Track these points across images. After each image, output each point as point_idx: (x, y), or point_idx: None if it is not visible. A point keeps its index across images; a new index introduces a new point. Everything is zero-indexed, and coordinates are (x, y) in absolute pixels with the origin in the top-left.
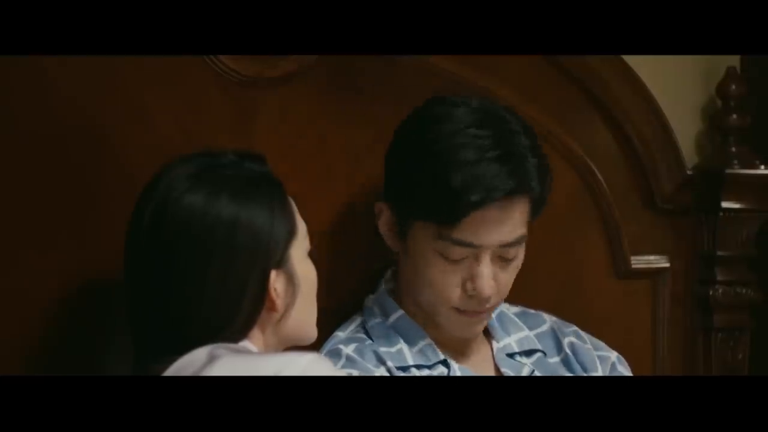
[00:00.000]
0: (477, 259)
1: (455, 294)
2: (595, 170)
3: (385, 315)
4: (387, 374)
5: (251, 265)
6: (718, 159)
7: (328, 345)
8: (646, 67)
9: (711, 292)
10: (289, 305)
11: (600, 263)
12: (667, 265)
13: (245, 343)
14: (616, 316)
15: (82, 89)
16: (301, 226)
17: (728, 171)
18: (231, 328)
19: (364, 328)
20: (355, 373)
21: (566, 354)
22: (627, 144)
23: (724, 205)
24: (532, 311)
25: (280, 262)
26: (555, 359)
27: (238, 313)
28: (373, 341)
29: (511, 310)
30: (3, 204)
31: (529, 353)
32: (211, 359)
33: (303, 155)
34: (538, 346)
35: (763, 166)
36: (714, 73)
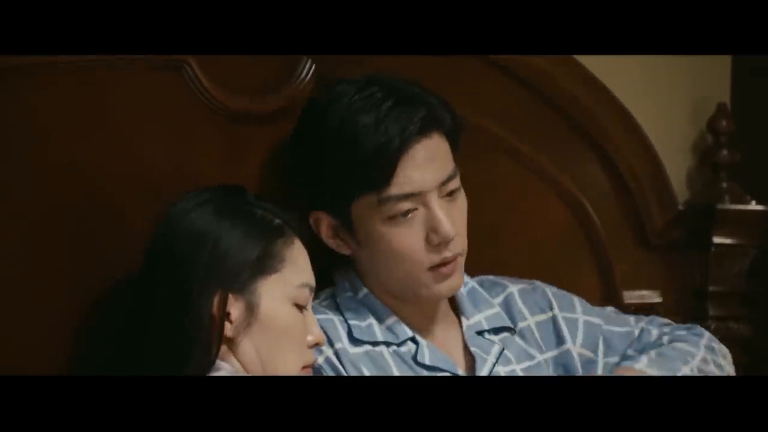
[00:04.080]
0: (426, 206)
1: (422, 251)
2: (587, 206)
3: (354, 291)
4: (332, 356)
5: (206, 278)
6: (710, 195)
7: None
8: (637, 103)
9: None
10: (241, 335)
11: (592, 299)
12: (660, 300)
13: (223, 365)
14: None
15: (70, 125)
16: (292, 274)
17: (719, 207)
18: (196, 343)
19: (334, 300)
20: None
21: (521, 331)
22: (619, 180)
23: (716, 240)
24: (491, 277)
25: (242, 288)
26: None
27: (197, 329)
28: (342, 312)
29: (479, 283)
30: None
31: (497, 330)
32: None
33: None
34: (508, 323)
35: (754, 202)
36: (704, 109)
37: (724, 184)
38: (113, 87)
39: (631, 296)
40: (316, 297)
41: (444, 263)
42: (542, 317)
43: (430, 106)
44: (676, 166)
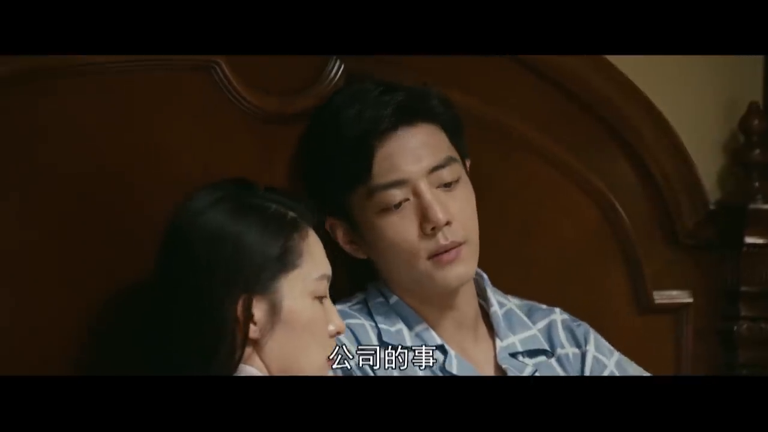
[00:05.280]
0: (416, 194)
1: (416, 240)
2: (617, 205)
3: (386, 298)
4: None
5: (230, 281)
6: (741, 194)
7: None
8: (668, 102)
9: (735, 328)
10: (266, 335)
11: (622, 299)
12: (690, 300)
13: (246, 368)
14: (639, 352)
15: (103, 128)
16: (311, 268)
17: (751, 206)
18: (221, 347)
19: (366, 305)
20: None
21: (559, 357)
22: (649, 179)
23: (748, 240)
24: (544, 306)
25: (265, 288)
26: (551, 359)
27: (223, 333)
28: (372, 316)
29: (521, 307)
30: (33, 237)
31: (533, 353)
32: None
33: None
34: (544, 346)
35: None
36: (736, 108)
37: (756, 184)
38: (143, 88)
39: (661, 296)
40: (347, 301)
41: (442, 251)
42: (576, 350)
43: (414, 94)
44: (708, 165)
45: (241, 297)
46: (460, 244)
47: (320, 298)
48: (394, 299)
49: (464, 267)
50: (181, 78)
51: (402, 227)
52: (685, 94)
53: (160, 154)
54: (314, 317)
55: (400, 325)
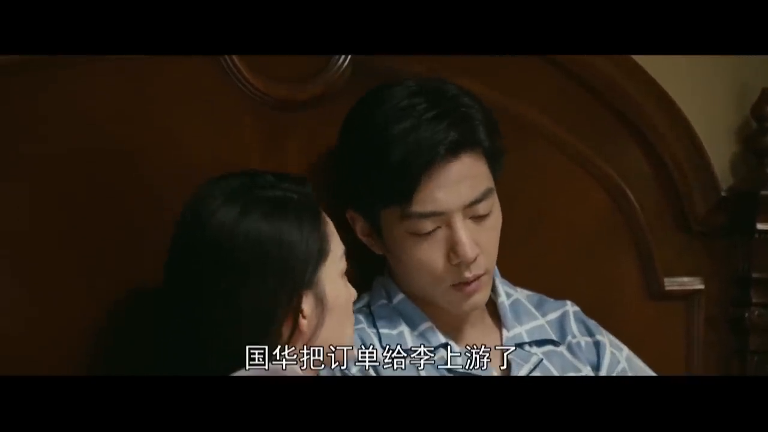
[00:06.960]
0: (449, 225)
1: (442, 269)
2: (628, 192)
3: (389, 298)
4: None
5: (280, 285)
6: (753, 180)
7: None
8: (680, 89)
9: (746, 315)
10: (317, 327)
11: (633, 285)
12: (702, 287)
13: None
14: (650, 339)
15: (111, 115)
16: (336, 248)
17: (763, 192)
18: (272, 348)
19: (369, 307)
20: None
21: (570, 345)
22: (660, 166)
23: (759, 226)
24: (553, 300)
25: (310, 283)
26: (561, 347)
27: (272, 334)
28: (374, 322)
29: (530, 298)
30: (40, 226)
31: (540, 343)
32: None
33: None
34: (551, 336)
35: None
36: (749, 94)
37: None
38: (152, 74)
39: (673, 283)
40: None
41: (464, 282)
42: (589, 339)
43: (469, 127)
44: (720, 152)
45: (294, 296)
46: (481, 276)
47: (344, 274)
48: (398, 297)
49: (481, 295)
50: (189, 64)
51: (429, 252)
52: (696, 80)
53: (167, 140)
54: (348, 296)
55: (402, 327)
